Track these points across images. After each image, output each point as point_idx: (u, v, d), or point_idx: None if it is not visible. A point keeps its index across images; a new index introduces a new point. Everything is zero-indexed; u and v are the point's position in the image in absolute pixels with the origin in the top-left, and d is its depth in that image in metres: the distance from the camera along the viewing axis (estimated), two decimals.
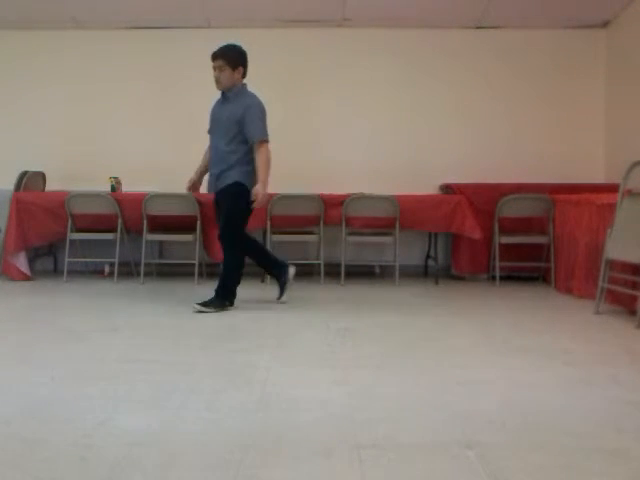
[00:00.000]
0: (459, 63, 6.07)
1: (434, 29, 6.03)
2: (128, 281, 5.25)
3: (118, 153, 6.10)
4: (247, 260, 4.07)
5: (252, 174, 3.90)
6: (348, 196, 5.20)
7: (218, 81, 3.91)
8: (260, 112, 3.89)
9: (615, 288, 3.91)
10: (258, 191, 3.80)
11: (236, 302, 3.98)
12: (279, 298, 4.16)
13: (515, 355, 2.88)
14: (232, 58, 3.88)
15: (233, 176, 3.89)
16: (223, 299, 3.92)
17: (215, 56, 3.89)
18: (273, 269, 4.19)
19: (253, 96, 3.94)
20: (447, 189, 5.71)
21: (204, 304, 3.87)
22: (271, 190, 5.35)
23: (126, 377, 2.49)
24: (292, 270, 4.13)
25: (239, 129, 3.87)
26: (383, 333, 3.35)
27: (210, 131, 4.05)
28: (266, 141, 3.90)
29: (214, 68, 3.89)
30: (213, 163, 3.99)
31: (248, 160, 3.90)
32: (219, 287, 3.94)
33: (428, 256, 5.87)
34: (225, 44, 3.94)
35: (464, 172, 5.85)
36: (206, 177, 4.12)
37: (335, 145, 6.07)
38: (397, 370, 2.63)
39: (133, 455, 1.72)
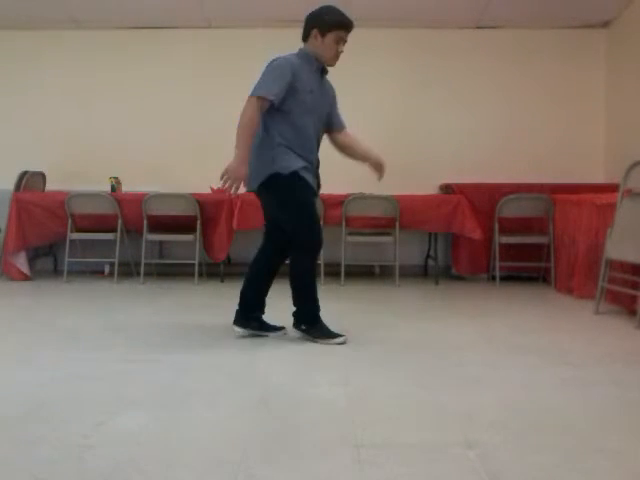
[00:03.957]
0: (459, 63, 6.08)
1: (434, 29, 6.03)
2: (128, 281, 5.25)
3: (118, 153, 6.11)
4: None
5: None
6: (348, 196, 5.20)
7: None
8: None
9: (615, 288, 3.90)
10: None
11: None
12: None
13: (515, 355, 2.88)
14: None
15: None
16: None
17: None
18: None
19: None
20: (447, 189, 5.71)
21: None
22: None
23: (126, 377, 2.49)
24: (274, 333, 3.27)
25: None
26: (383, 333, 3.35)
27: (308, 110, 3.11)
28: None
29: (345, 42, 3.16)
30: (315, 150, 3.31)
31: None
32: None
33: (428, 256, 5.87)
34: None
35: (464, 172, 5.86)
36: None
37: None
38: (397, 370, 2.63)
39: (133, 455, 1.72)
